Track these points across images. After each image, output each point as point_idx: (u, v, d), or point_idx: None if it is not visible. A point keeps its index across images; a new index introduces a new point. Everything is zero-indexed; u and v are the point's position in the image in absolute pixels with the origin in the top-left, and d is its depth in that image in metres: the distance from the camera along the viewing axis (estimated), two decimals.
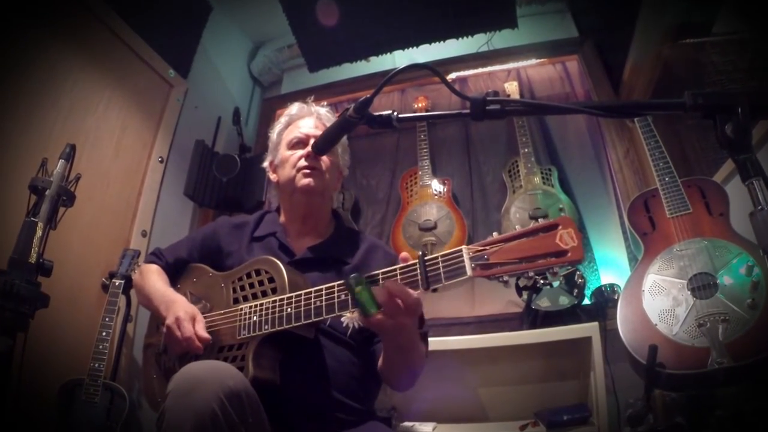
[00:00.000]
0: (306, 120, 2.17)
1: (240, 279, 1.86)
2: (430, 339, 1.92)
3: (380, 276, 1.52)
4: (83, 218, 3.12)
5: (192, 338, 1.71)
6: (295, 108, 2.22)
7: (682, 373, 2.19)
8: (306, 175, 2.03)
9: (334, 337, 1.83)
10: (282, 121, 2.22)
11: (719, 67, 2.88)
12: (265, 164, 2.26)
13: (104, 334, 2.83)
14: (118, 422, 2.71)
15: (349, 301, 1.54)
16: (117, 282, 3.01)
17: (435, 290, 1.45)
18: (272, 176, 2.21)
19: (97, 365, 2.75)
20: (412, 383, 1.85)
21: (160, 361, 1.96)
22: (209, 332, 1.75)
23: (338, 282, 1.60)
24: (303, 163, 2.04)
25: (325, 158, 2.06)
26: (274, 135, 2.21)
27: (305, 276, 1.82)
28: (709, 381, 2.14)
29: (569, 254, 1.31)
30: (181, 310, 1.79)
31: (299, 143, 2.10)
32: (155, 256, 2.18)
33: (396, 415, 3.16)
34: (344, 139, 2.15)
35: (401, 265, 1.51)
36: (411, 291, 1.45)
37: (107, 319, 2.87)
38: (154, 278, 2.06)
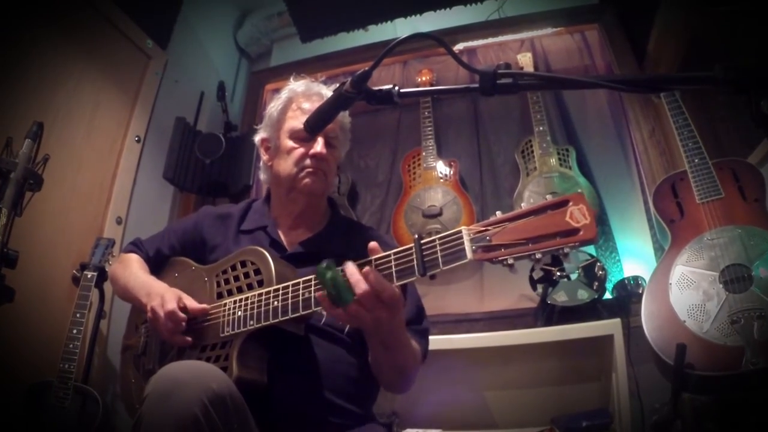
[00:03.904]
0: (315, 106, 2.00)
1: (224, 272, 1.86)
2: (434, 337, 1.92)
3: (373, 261, 1.51)
4: (52, 204, 3.10)
5: (174, 311, 1.72)
6: (301, 85, 2.14)
7: (713, 375, 2.19)
8: (309, 175, 2.00)
9: (328, 334, 1.82)
10: (283, 96, 2.14)
11: (754, 37, 2.86)
12: (257, 139, 2.20)
13: (75, 331, 2.82)
14: (91, 428, 2.70)
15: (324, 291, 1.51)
16: (89, 274, 2.99)
17: (433, 277, 1.42)
18: (264, 156, 2.16)
19: (67, 366, 2.74)
20: (406, 385, 1.85)
21: (139, 363, 1.96)
22: (192, 331, 1.76)
23: None
24: (308, 162, 2.00)
25: (331, 157, 2.05)
26: (274, 111, 2.13)
27: (297, 271, 1.81)
28: (742, 383, 2.14)
29: (581, 233, 1.28)
30: (168, 291, 1.81)
31: (307, 137, 1.99)
32: (135, 246, 2.18)
33: (397, 421, 3.16)
34: (347, 121, 2.15)
35: (396, 249, 1.50)
36: (388, 283, 1.45)
37: (78, 315, 2.86)
38: (134, 267, 2.06)
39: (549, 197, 1.35)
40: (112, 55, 3.75)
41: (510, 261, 1.35)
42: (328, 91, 2.09)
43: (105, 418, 2.77)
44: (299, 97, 2.10)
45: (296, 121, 2.03)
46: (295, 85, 2.14)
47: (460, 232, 1.39)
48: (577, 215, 1.29)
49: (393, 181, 4.33)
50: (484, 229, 1.37)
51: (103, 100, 3.63)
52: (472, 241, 1.36)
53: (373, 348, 1.75)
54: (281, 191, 2.09)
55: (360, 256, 1.54)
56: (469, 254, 1.35)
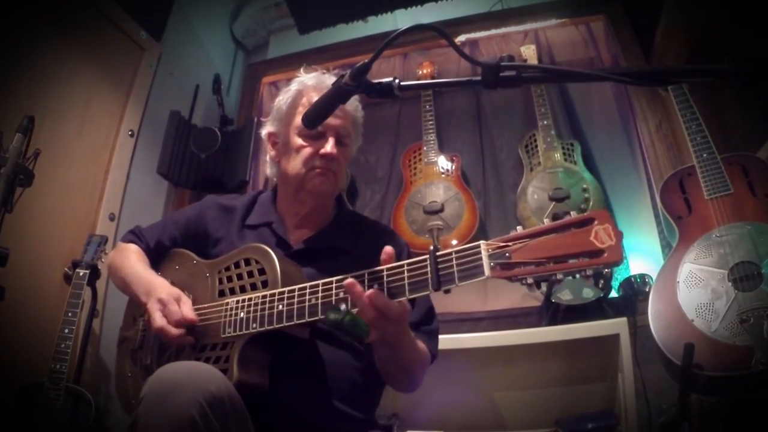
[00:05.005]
0: None
1: (227, 269, 1.84)
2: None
3: (385, 272, 1.50)
4: (43, 200, 3.10)
5: (180, 320, 1.70)
6: (312, 78, 2.09)
7: (722, 375, 2.19)
8: (318, 176, 1.97)
9: (332, 337, 1.80)
10: (292, 89, 2.09)
11: (764, 28, 2.86)
12: (264, 133, 2.16)
13: (66, 331, 2.81)
14: (84, 430, 2.70)
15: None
16: (81, 272, 2.98)
17: (447, 291, 1.40)
18: (272, 152, 2.13)
19: (58, 366, 2.73)
20: (412, 385, 1.86)
21: (135, 358, 1.95)
22: (192, 330, 1.74)
23: (336, 278, 1.57)
24: (318, 162, 1.97)
25: (341, 156, 2.02)
26: (283, 105, 2.08)
27: (302, 270, 1.80)
28: (752, 384, 2.14)
29: (606, 254, 1.25)
30: (164, 292, 1.78)
31: (317, 134, 1.98)
32: (135, 236, 2.15)
33: (398, 423, 3.15)
34: (360, 116, 2.17)
35: (410, 260, 1.48)
36: (393, 303, 1.44)
37: (70, 314, 2.85)
38: (133, 259, 2.04)
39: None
40: (105, 48, 3.73)
41: (530, 280, 1.32)
42: None
43: (98, 419, 2.77)
44: (310, 90, 2.05)
45: None
46: (306, 78, 2.10)
47: (478, 246, 1.36)
48: (602, 235, 1.26)
49: (393, 177, 4.32)
50: (503, 244, 1.34)
51: (95, 93, 3.62)
52: (490, 257, 1.33)
53: (375, 346, 1.74)
54: (289, 190, 2.06)
55: (369, 250, 1.53)
56: (487, 271, 1.32)
